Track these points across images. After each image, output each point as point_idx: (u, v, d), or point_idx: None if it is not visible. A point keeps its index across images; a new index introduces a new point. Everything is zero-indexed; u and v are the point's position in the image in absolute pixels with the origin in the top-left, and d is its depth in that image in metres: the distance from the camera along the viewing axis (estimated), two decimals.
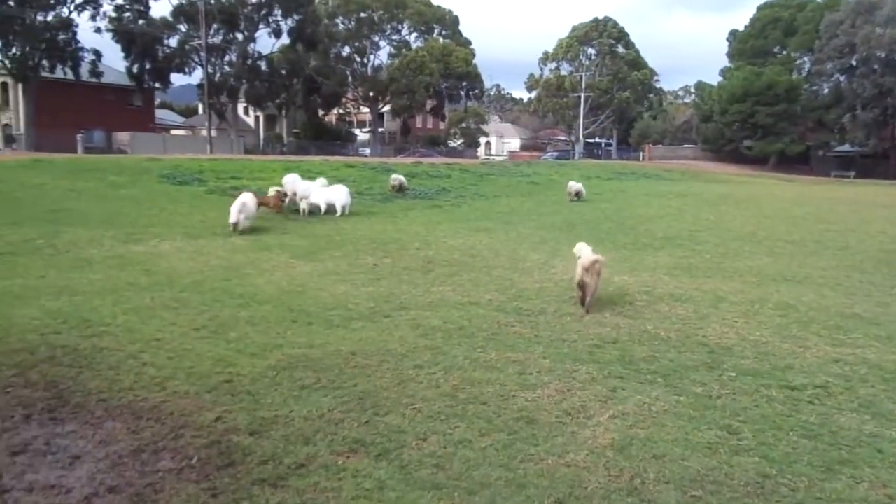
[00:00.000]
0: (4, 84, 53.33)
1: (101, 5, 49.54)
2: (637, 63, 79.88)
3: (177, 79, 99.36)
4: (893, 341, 7.17)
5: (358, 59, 70.52)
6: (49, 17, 47.20)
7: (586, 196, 25.79)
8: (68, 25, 47.95)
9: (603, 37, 78.84)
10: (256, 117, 76.72)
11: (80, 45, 48.99)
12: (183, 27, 56.14)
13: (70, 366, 5.81)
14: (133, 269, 10.08)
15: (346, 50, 69.46)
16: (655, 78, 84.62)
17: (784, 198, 30.11)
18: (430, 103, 74.64)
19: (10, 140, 51.74)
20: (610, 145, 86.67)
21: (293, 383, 5.55)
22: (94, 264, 10.41)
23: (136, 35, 51.56)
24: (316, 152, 52.55)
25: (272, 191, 18.00)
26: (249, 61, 58.12)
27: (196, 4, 52.35)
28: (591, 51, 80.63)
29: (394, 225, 16.67)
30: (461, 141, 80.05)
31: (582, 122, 75.65)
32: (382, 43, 71.81)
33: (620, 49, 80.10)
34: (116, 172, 22.67)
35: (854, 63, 62.35)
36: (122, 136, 50.93)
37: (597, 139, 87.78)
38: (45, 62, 47.30)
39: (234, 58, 57.67)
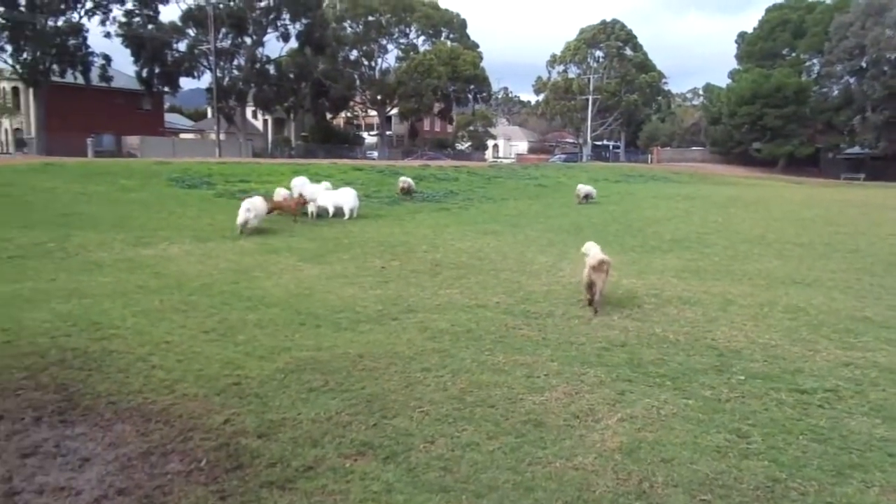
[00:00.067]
0: (16, 88, 53.80)
1: (110, 10, 49.95)
2: (645, 65, 79.72)
3: (186, 83, 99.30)
4: None
5: (366, 63, 70.71)
6: (59, 23, 47.56)
7: (595, 198, 25.76)
8: (78, 30, 48.31)
9: (611, 39, 78.73)
10: (265, 121, 76.95)
11: (90, 49, 49.35)
12: (192, 31, 56.49)
13: (80, 368, 5.85)
14: (142, 273, 10.14)
15: (354, 53, 69.66)
16: (663, 80, 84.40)
17: (793, 200, 29.96)
18: (437, 106, 74.63)
19: (21, 144, 52.13)
20: (618, 148, 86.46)
21: (301, 386, 5.56)
22: (103, 267, 10.47)
23: (145, 40, 51.89)
24: (324, 155, 52.70)
25: (279, 194, 18.06)
26: (258, 65, 58.38)
27: (205, 9, 52.65)
28: (598, 53, 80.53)
29: (401, 228, 16.69)
30: (469, 144, 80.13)
31: (590, 125, 75.51)
32: (390, 46, 72.04)
33: (628, 51, 79.95)
34: (126, 176, 22.80)
35: (864, 65, 62.01)
36: (132, 140, 51.23)
37: (605, 142, 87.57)
38: (55, 67, 47.65)
39: (242, 62, 57.94)
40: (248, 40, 57.58)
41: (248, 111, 67.70)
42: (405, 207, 21.81)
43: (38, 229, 13.59)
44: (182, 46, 56.66)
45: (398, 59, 71.93)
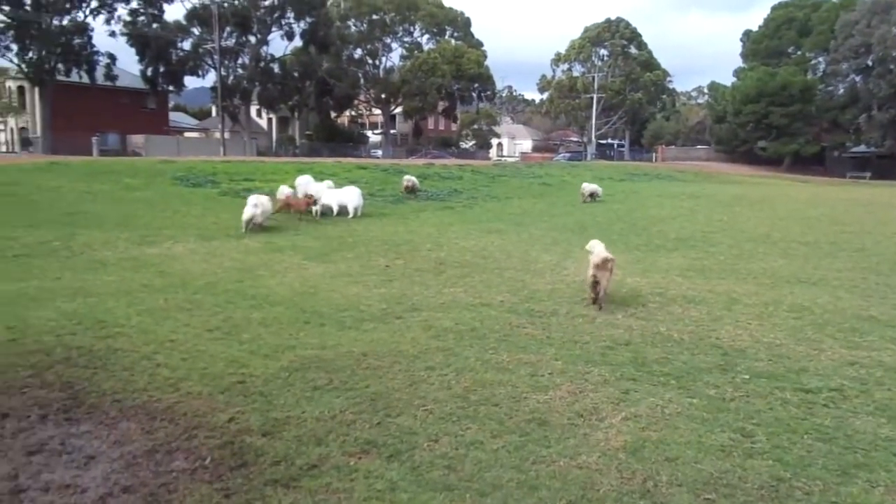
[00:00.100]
0: (21, 88, 53.99)
1: (115, 9, 50.11)
2: (650, 64, 79.57)
3: (190, 82, 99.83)
4: None
5: (370, 61, 70.68)
6: (65, 22, 47.72)
7: (601, 197, 25.71)
8: (83, 29, 48.46)
9: (615, 37, 78.60)
10: (269, 119, 77.07)
11: (95, 48, 49.51)
12: (196, 30, 56.53)
13: (85, 367, 5.87)
14: (147, 271, 10.17)
15: (359, 52, 69.64)
16: (668, 79, 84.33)
17: (799, 199, 29.87)
18: (441, 105, 74.63)
19: (26, 143, 52.36)
20: (622, 146, 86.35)
21: (305, 384, 5.57)
22: (108, 266, 10.51)
23: (150, 38, 52.00)
24: (328, 154, 52.74)
25: (282, 192, 18.08)
26: (262, 64, 58.41)
27: (209, 8, 52.70)
28: (603, 52, 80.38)
29: (406, 226, 16.69)
30: (473, 142, 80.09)
31: (594, 124, 75.43)
32: (394, 45, 72.00)
33: (633, 50, 79.82)
34: (131, 175, 22.86)
35: (870, 63, 61.74)
36: (137, 139, 51.35)
37: (609, 140, 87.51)
38: (60, 66, 47.80)
39: (247, 60, 57.99)
40: (252, 39, 57.65)
41: (253, 110, 67.76)
42: (409, 206, 21.81)
43: (44, 228, 13.65)
44: (187, 45, 56.77)
45: (402, 57, 71.92)
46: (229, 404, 5.13)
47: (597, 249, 8.76)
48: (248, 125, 62.10)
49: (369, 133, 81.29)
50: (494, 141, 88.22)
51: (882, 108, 60.96)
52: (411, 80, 67.09)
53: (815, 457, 4.49)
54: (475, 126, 79.08)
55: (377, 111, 76.20)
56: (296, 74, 61.04)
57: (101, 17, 49.73)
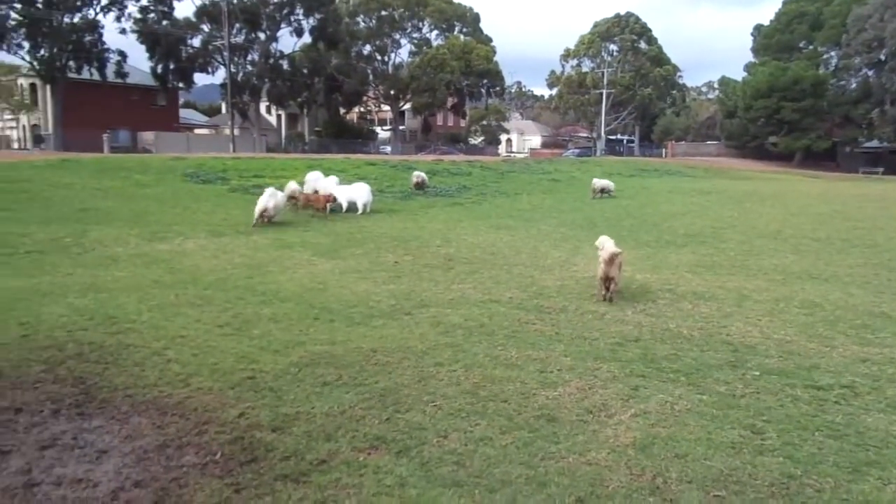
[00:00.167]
0: (33, 85, 54.34)
1: (126, 7, 50.34)
2: (660, 59, 79.11)
3: (200, 78, 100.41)
4: None
5: (379, 58, 70.66)
6: (76, 19, 48.00)
7: (612, 193, 25.59)
8: (94, 27, 48.72)
9: (625, 32, 78.20)
10: (278, 116, 77.23)
11: (105, 46, 49.80)
12: (206, 27, 56.72)
13: (97, 362, 5.91)
14: (158, 267, 10.22)
15: (367, 48, 69.60)
16: (678, 74, 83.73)
17: (810, 195, 29.66)
18: (450, 101, 74.52)
19: (38, 140, 52.70)
20: (632, 142, 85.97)
21: (315, 380, 5.59)
22: (119, 262, 10.57)
23: (160, 35, 52.22)
24: (337, 150, 52.83)
25: (290, 187, 18.10)
26: (271, 60, 58.54)
27: (219, 4, 52.83)
28: (612, 47, 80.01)
29: (415, 223, 16.70)
30: (482, 138, 79.93)
31: (604, 119, 75.12)
32: (403, 41, 71.90)
33: (643, 45, 79.38)
34: (141, 172, 22.98)
35: (882, 57, 61.13)
36: (147, 136, 51.61)
37: (619, 136, 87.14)
38: (71, 63, 48.10)
39: (256, 57, 58.12)
40: (261, 35, 57.74)
41: (262, 106, 67.94)
42: (418, 202, 21.82)
43: (56, 224, 13.74)
44: (196, 42, 56.99)
45: (411, 53, 71.83)
46: (239, 400, 5.16)
47: (606, 246, 8.77)
48: (257, 122, 62.29)
49: (378, 129, 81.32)
50: (503, 137, 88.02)
51: (895, 102, 60.35)
52: (420, 76, 67.01)
53: (826, 454, 4.46)
54: (484, 122, 78.92)
55: (386, 107, 76.17)
56: (305, 71, 61.14)
57: (112, 15, 50.07)
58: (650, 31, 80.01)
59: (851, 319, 7.91)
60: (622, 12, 79.76)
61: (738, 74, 76.93)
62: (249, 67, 58.44)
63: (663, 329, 7.37)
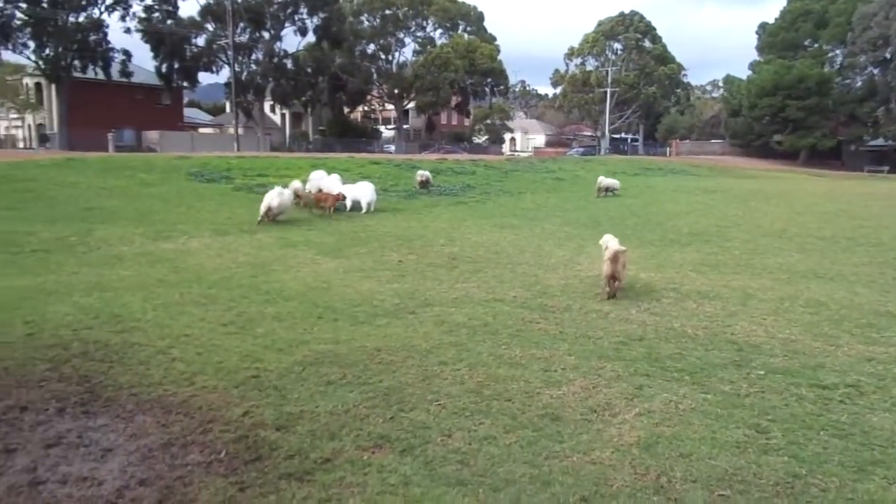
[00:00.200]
0: (38, 84, 54.51)
1: (130, 6, 50.44)
2: (664, 57, 78.93)
3: (204, 78, 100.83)
4: None
5: (383, 57, 70.65)
6: (80, 19, 48.11)
7: (618, 191, 25.52)
8: (99, 26, 48.83)
9: (629, 31, 78.03)
10: (282, 115, 77.31)
11: (110, 45, 49.92)
12: (210, 26, 56.83)
13: (102, 361, 5.93)
14: (162, 266, 10.24)
15: (371, 47, 69.61)
16: (683, 72, 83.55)
17: (815, 193, 29.57)
18: (454, 100, 74.46)
19: (44, 139, 52.86)
20: (636, 141, 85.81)
21: (319, 379, 5.59)
22: (124, 261, 10.60)
23: (164, 35, 52.33)
24: (341, 149, 52.82)
25: (293, 186, 18.12)
26: (276, 60, 58.61)
27: (223, 4, 52.88)
28: (617, 45, 79.84)
29: (419, 221, 16.70)
30: (486, 137, 79.89)
31: (608, 118, 74.98)
32: (407, 40, 71.89)
33: (647, 43, 79.22)
34: (146, 171, 23.03)
35: (888, 56, 60.86)
36: (152, 135, 51.71)
37: (623, 135, 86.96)
38: (76, 62, 48.24)
39: (260, 56, 58.21)
40: (265, 35, 57.83)
41: (266, 105, 68.00)
42: (422, 201, 21.82)
43: (61, 223, 13.78)
44: (201, 41, 57.08)
45: (415, 52, 71.80)
46: (244, 398, 5.17)
47: (610, 244, 8.77)
48: (261, 121, 62.35)
49: (382, 128, 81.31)
50: (507, 136, 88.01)
51: None
52: (424, 74, 66.99)
53: (831, 453, 4.45)
54: (488, 121, 78.85)
55: (390, 106, 76.18)
56: (309, 70, 61.21)
57: (117, 14, 50.14)
58: (654, 29, 79.88)
59: (857, 318, 7.89)
60: (626, 11, 79.68)
61: (743, 73, 76.81)
62: (254, 66, 58.53)
63: (667, 328, 7.35)
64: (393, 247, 12.65)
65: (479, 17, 75.38)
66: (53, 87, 49.59)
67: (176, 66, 55.58)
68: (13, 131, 60.08)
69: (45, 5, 45.81)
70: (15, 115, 57.42)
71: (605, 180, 25.77)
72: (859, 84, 65.82)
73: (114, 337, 6.57)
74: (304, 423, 4.75)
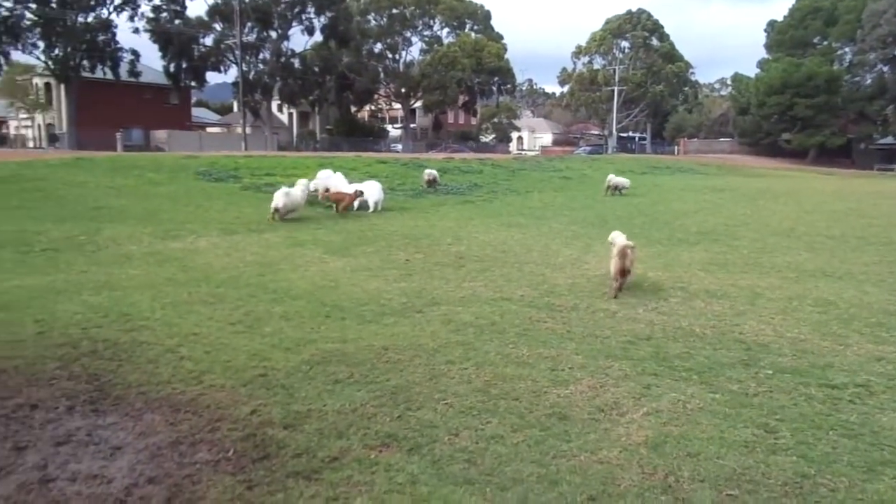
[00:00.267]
0: (48, 84, 54.89)
1: (138, 6, 50.80)
2: (672, 55, 78.66)
3: (212, 77, 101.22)
4: None
5: (390, 56, 70.76)
6: (89, 19, 48.41)
7: (627, 189, 25.43)
8: (108, 26, 49.13)
9: (637, 29, 77.81)
10: (290, 114, 77.51)
11: (118, 45, 50.28)
12: (218, 26, 57.08)
13: (111, 359, 5.96)
14: (171, 265, 10.28)
15: (378, 46, 69.73)
16: (691, 70, 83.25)
17: (824, 192, 29.41)
18: (461, 99, 74.51)
19: (53, 139, 53.21)
20: (644, 139, 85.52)
21: (327, 377, 5.60)
22: (133, 260, 10.64)
23: (172, 35, 52.58)
24: (348, 148, 52.92)
25: (300, 185, 18.07)
26: (283, 59, 58.80)
27: (231, 3, 53.09)
28: (624, 44, 79.67)
29: (426, 220, 16.70)
30: (493, 136, 79.87)
31: (615, 116, 74.79)
32: (414, 39, 71.99)
33: (655, 42, 78.99)
34: (154, 170, 23.11)
35: None
36: (160, 135, 51.99)
37: (630, 133, 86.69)
38: (85, 62, 48.55)
39: (268, 56, 58.39)
40: (273, 34, 58.02)
41: (274, 105, 68.20)
42: (429, 200, 21.82)
43: (70, 223, 13.85)
44: (208, 41, 57.43)
45: (422, 51, 71.89)
46: (252, 397, 5.18)
47: (618, 240, 8.77)
48: (269, 120, 62.56)
49: (389, 127, 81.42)
50: (514, 134, 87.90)
51: None
52: (431, 73, 67.03)
53: (840, 453, 4.42)
54: (495, 120, 78.87)
55: (397, 105, 76.31)
56: (316, 69, 61.36)
57: (125, 14, 50.60)
58: (662, 27, 79.62)
59: (866, 318, 7.84)
60: (634, 9, 79.46)
61: (751, 71, 76.66)
62: (261, 66, 58.76)
63: (675, 327, 7.33)
64: (400, 246, 12.66)
65: (486, 15, 75.35)
66: (63, 86, 49.92)
67: (184, 65, 55.87)
68: (23, 131, 60.49)
69: (54, 6, 46.11)
70: (25, 115, 57.84)
71: (614, 178, 25.67)
72: (869, 82, 65.47)
73: (123, 335, 6.60)
74: (312, 421, 4.76)
